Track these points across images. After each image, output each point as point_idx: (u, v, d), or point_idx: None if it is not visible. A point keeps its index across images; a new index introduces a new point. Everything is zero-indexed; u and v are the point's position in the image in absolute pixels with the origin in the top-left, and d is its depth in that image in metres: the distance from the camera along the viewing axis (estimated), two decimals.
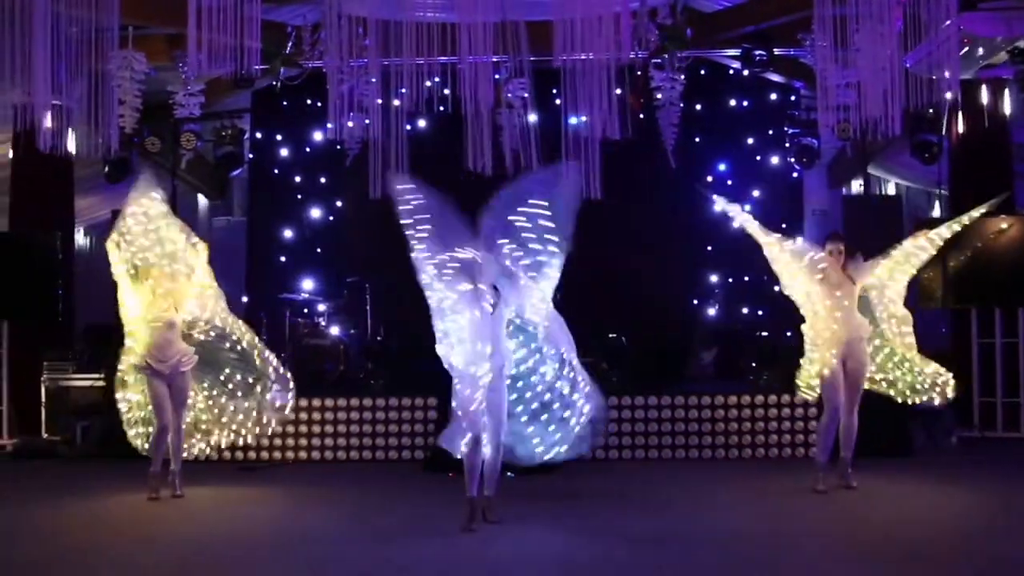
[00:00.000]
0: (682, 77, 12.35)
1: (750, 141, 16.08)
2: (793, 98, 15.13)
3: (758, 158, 16.09)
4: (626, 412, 10.83)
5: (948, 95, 10.40)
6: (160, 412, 8.73)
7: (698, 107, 15.45)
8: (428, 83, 11.28)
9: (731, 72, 14.15)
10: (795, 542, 7.03)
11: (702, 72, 14.50)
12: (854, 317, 8.72)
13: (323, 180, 16.45)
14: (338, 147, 12.85)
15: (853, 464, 8.72)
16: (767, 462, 10.50)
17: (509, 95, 11.95)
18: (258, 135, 16.39)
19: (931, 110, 11.68)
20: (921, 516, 7.80)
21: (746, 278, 15.68)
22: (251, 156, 15.86)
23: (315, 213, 16.53)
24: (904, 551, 6.67)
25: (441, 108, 11.09)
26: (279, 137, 16.60)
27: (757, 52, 12.24)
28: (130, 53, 11.56)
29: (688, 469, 10.29)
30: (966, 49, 11.73)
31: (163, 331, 8.73)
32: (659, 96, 12.47)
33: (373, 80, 11.44)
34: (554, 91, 12.18)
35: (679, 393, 10.95)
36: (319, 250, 16.44)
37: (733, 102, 15.92)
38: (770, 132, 15.61)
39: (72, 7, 9.84)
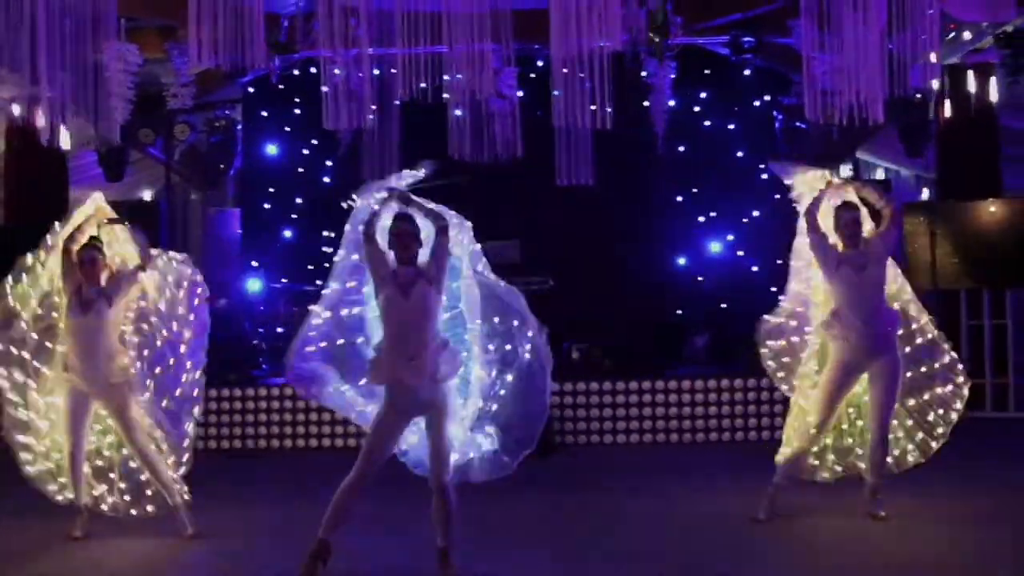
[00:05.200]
0: (673, 64, 12.42)
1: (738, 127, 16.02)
2: (781, 84, 15.15)
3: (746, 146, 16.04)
4: (620, 397, 10.96)
5: (935, 81, 10.49)
6: (70, 431, 6.87)
7: (688, 93, 15.45)
8: (420, 72, 11.29)
9: (720, 59, 14.16)
10: (791, 524, 7.15)
11: (691, 59, 14.55)
12: (882, 311, 7.14)
13: (316, 169, 16.42)
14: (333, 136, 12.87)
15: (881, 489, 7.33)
16: (759, 445, 10.61)
17: (499, 85, 12.00)
18: (250, 125, 16.36)
19: (917, 95, 11.78)
20: (912, 499, 7.85)
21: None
22: (243, 146, 15.87)
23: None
24: (894, 533, 6.81)
25: (431, 97, 11.10)
26: (272, 127, 16.56)
27: (745, 39, 12.33)
28: (123, 45, 11.58)
29: (681, 452, 10.45)
30: (952, 34, 11.85)
31: (86, 327, 6.81)
32: (650, 83, 12.55)
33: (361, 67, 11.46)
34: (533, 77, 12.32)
35: (672, 378, 11.09)
36: (314, 239, 16.39)
37: (722, 89, 15.88)
38: (757, 121, 15.54)
39: None
